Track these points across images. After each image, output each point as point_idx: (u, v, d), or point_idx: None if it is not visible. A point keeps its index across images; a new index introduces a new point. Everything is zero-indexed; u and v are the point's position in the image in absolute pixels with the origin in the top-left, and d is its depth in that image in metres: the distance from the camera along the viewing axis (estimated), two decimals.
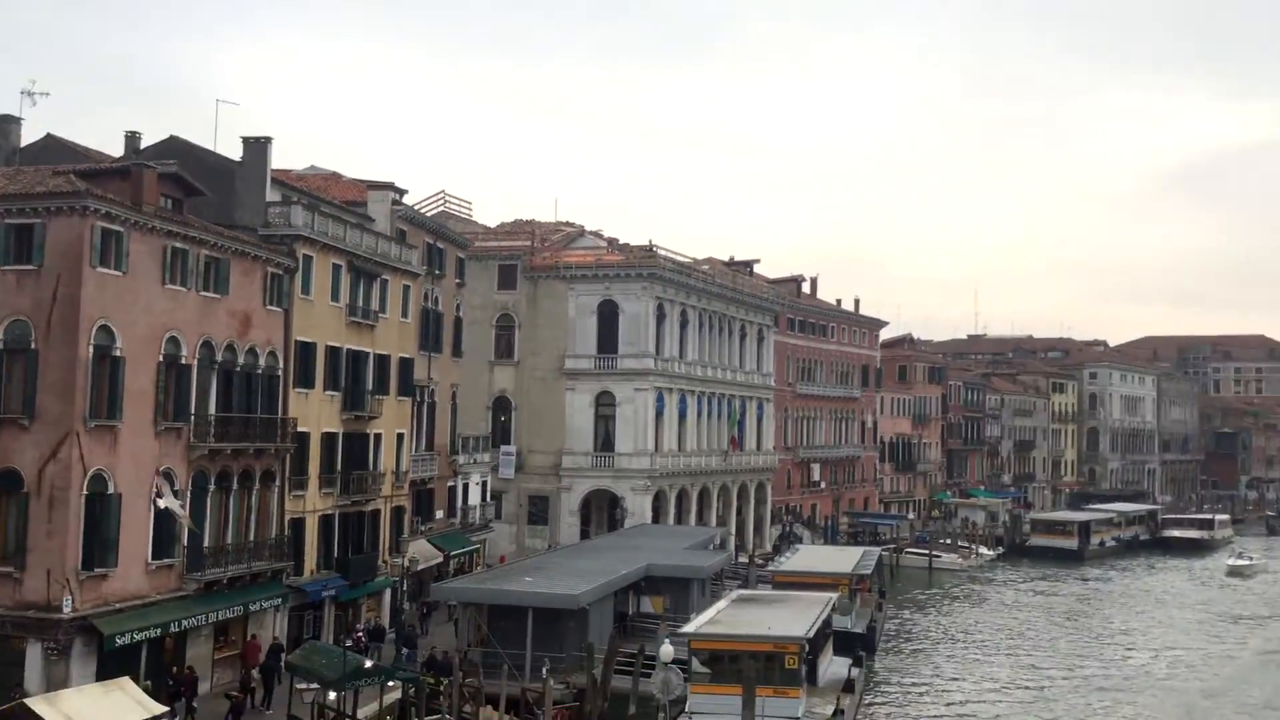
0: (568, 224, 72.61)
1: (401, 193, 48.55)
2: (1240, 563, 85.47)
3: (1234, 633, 60.66)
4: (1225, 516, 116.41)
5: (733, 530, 70.48)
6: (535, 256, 64.63)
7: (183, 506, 32.63)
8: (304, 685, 30.68)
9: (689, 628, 37.37)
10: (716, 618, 38.79)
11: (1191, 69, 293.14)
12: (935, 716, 41.12)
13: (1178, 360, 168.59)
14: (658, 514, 63.18)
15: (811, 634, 36.39)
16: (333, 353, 40.66)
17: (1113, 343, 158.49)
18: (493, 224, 72.25)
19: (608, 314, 63.11)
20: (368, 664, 30.47)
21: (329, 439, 40.51)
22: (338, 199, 45.40)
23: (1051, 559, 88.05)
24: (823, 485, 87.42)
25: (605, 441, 62.82)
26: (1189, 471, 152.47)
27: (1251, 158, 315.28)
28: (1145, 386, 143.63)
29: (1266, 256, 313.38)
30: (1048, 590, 74.58)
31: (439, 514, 50.69)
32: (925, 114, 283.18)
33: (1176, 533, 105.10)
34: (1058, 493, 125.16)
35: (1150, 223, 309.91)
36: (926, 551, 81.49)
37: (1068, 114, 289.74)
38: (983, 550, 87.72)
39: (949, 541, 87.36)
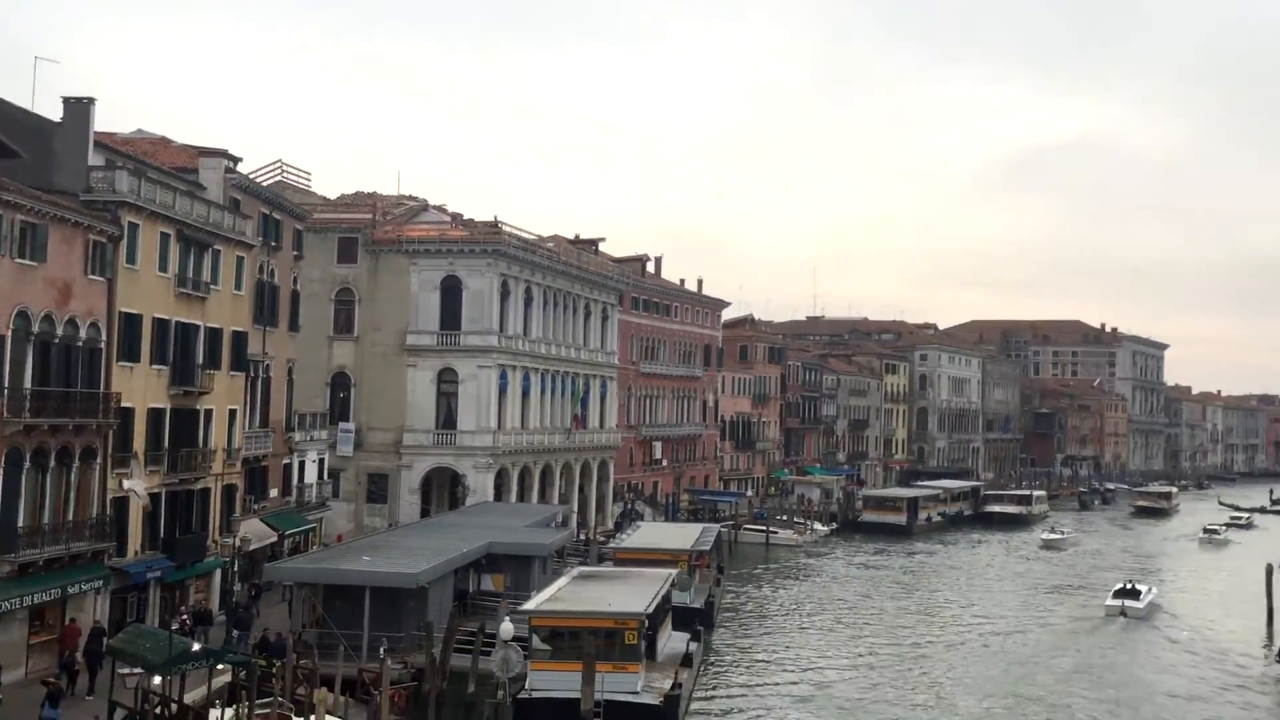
0: (411, 198, 71.34)
1: (235, 160, 46.82)
2: (1053, 536, 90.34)
3: (1047, 602, 64.07)
4: (1042, 492, 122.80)
5: (575, 508, 70.72)
6: (377, 230, 63.30)
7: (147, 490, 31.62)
8: (127, 670, 29.51)
9: (529, 605, 37.41)
10: (557, 595, 38.95)
11: (1024, 65, 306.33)
12: (771, 684, 42.22)
13: (1001, 343, 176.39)
14: (500, 492, 62.93)
15: (651, 610, 36.88)
16: (160, 325, 39.03)
17: (942, 326, 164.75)
18: (332, 195, 70.45)
19: (451, 290, 62.35)
20: (195, 647, 29.47)
21: (156, 415, 38.92)
22: (167, 165, 43.50)
23: (882, 534, 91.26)
24: (664, 463, 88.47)
25: (447, 419, 62.15)
26: (1010, 450, 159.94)
27: (1076, 152, 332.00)
28: (971, 368, 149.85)
29: (1083, 246, 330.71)
30: (877, 564, 77.31)
31: (273, 492, 49.35)
32: (771, 99, 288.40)
33: (997, 508, 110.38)
34: (889, 470, 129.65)
35: (980, 211, 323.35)
36: (764, 528, 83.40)
37: (907, 103, 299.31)
38: (817, 526, 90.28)
39: (785, 518, 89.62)
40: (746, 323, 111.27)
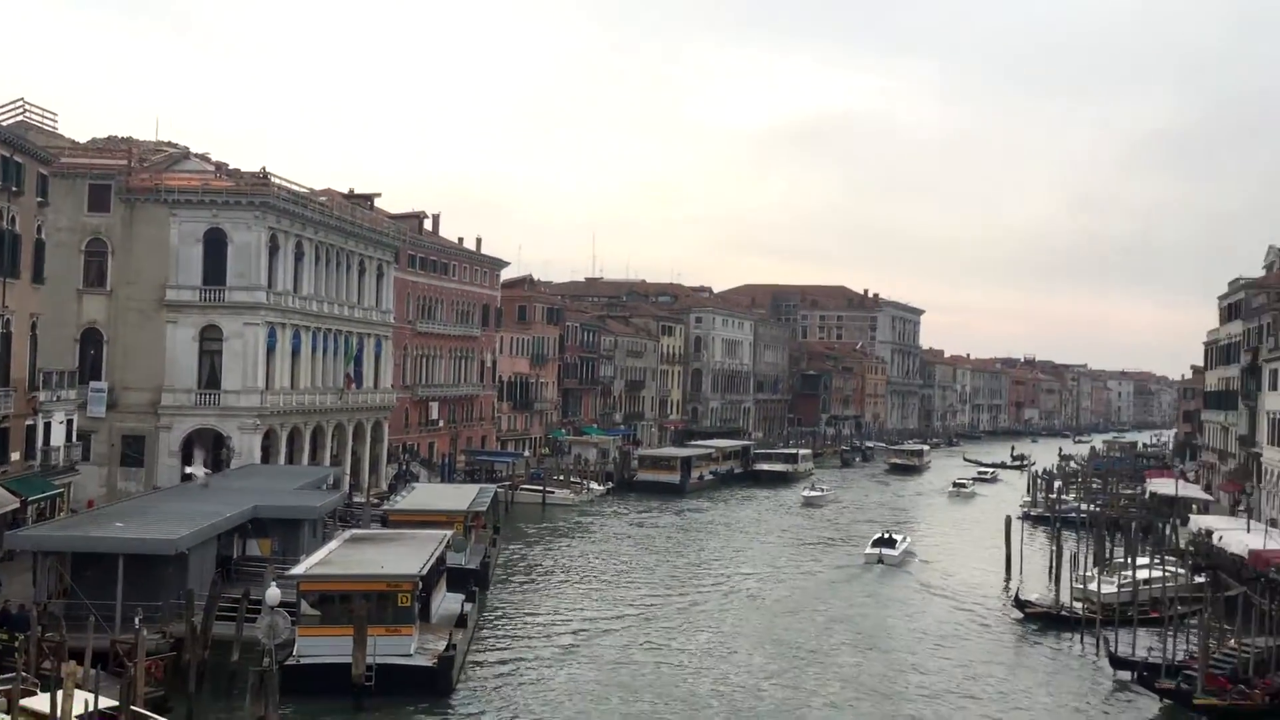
0: (171, 145, 67.34)
1: None
2: (813, 494, 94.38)
3: (811, 554, 67.05)
4: (807, 451, 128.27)
5: (347, 470, 69.07)
6: (133, 177, 59.49)
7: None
8: None
9: (298, 569, 36.45)
10: (328, 558, 38.11)
11: (804, 33, 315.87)
12: (546, 640, 42.47)
13: (772, 307, 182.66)
14: (268, 454, 60.75)
15: (425, 571, 36.59)
16: None
17: (717, 289, 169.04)
18: (83, 140, 65.69)
19: (215, 243, 59.38)
20: None
21: None
22: None
23: (657, 492, 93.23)
24: (441, 424, 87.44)
25: (211, 378, 59.37)
26: (779, 410, 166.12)
27: (849, 126, 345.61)
28: (744, 331, 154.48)
29: (851, 215, 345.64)
30: (651, 522, 78.96)
31: (15, 456, 45.97)
32: (557, 62, 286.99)
33: (765, 466, 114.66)
34: (664, 430, 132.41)
35: (755, 180, 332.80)
36: (541, 488, 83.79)
37: (689, 70, 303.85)
38: (594, 486, 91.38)
39: (562, 478, 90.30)
40: (525, 283, 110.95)
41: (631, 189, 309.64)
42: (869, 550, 63.75)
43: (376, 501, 63.17)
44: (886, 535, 66.08)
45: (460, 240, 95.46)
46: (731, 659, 41.44)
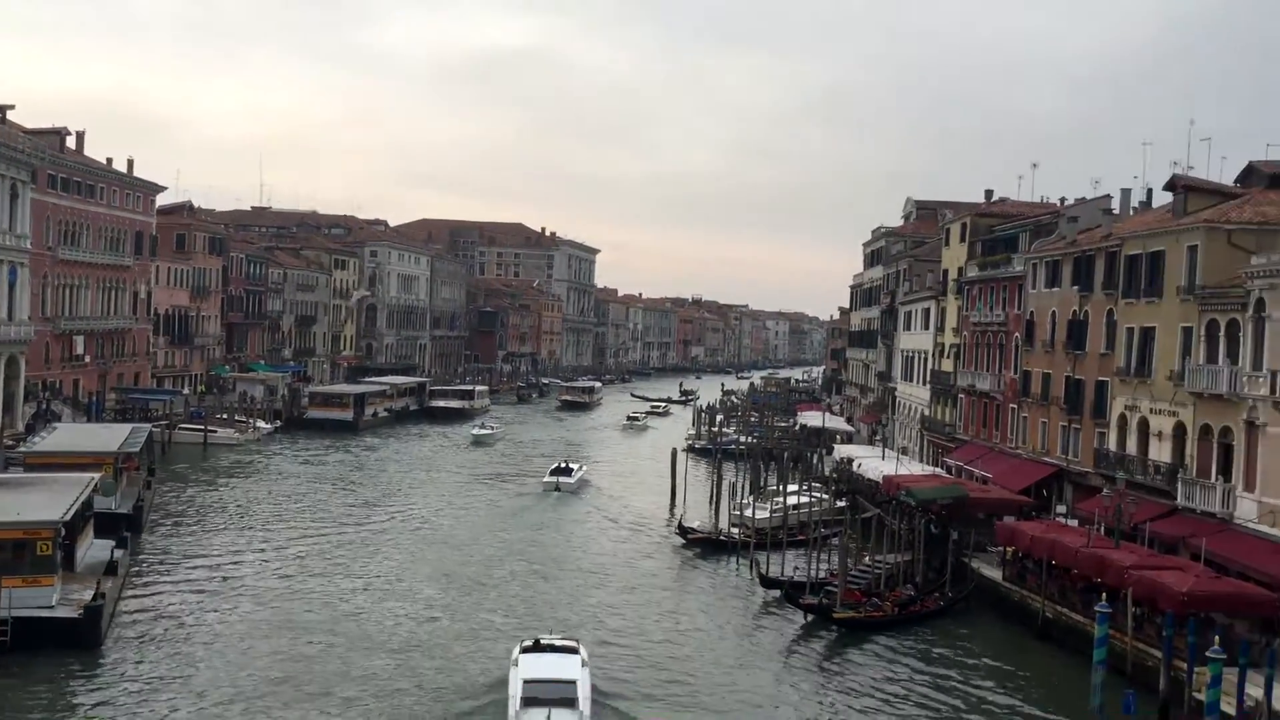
0: None
1: None
2: (482, 432, 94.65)
3: (487, 487, 67.61)
4: (484, 388, 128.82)
5: None
6: None
7: None
8: None
9: None
10: None
11: None
12: (205, 584, 40.56)
13: (450, 243, 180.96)
14: None
15: (68, 517, 34.18)
16: None
17: (393, 223, 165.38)
18: None
19: None
20: None
21: None
22: None
23: (329, 430, 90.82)
24: (88, 359, 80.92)
25: None
26: (456, 346, 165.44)
27: (528, 63, 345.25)
28: (420, 266, 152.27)
29: (529, 153, 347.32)
30: (323, 460, 76.90)
31: None
32: None
33: (442, 403, 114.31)
34: (337, 367, 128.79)
35: (435, 113, 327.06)
36: (202, 427, 79.60)
37: None
38: (260, 424, 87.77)
39: (226, 416, 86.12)
40: (185, 210, 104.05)
41: (303, 116, 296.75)
42: (547, 479, 65.76)
43: (11, 443, 57.91)
44: (563, 465, 68.39)
45: (109, 161, 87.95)
46: (404, 593, 41.21)
